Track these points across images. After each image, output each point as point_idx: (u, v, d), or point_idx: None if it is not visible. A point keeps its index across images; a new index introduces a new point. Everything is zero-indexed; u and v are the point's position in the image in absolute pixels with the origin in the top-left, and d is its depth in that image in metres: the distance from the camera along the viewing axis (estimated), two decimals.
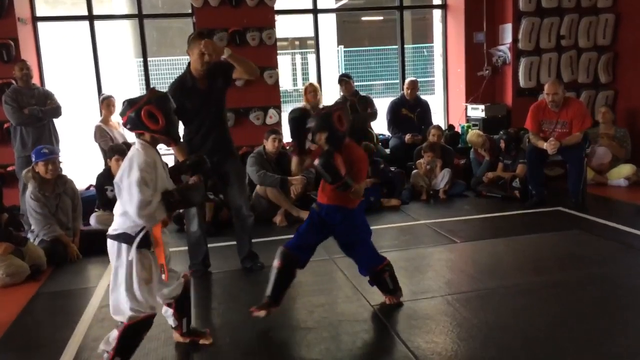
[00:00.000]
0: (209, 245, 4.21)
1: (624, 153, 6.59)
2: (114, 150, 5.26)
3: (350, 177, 2.96)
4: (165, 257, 2.58)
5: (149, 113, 2.48)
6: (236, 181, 4.07)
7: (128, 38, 12.43)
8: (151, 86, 2.99)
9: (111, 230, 2.56)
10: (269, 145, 5.63)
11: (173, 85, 3.82)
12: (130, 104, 2.51)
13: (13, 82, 5.83)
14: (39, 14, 6.78)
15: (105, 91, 6.79)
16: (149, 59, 7.30)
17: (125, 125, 2.56)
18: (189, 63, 3.79)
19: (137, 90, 11.72)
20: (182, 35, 9.07)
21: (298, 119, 3.10)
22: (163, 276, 2.56)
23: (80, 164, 7.13)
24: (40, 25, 6.78)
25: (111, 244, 2.56)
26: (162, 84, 14.20)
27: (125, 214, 2.49)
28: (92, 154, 6.67)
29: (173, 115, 2.58)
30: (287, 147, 3.23)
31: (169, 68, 13.24)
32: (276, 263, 3.12)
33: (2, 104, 5.63)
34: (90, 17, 6.85)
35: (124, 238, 2.52)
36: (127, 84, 11.48)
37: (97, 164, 6.09)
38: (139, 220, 2.45)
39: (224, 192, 4.22)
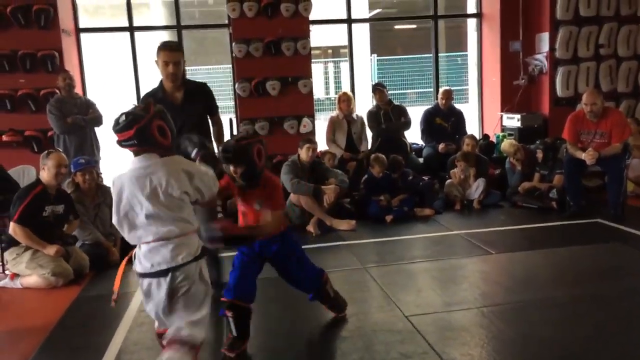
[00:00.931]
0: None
1: None
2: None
3: (271, 207, 2.88)
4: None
5: (160, 127, 2.29)
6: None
7: None
8: (151, 100, 2.47)
9: (189, 256, 2.33)
10: (303, 154, 5.68)
11: (145, 95, 3.72)
12: (135, 119, 2.24)
13: (57, 91, 6.04)
14: (81, 25, 7.02)
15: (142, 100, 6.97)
16: (186, 68, 7.45)
17: (125, 141, 2.26)
18: (161, 79, 3.68)
19: None
20: (217, 45, 9.26)
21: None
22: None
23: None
24: (83, 36, 7.02)
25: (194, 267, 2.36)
26: None
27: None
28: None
29: (174, 129, 2.42)
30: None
31: (205, 77, 13.53)
32: (229, 313, 2.95)
33: (46, 112, 5.83)
34: (131, 29, 7.06)
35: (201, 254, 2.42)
36: None
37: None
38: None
39: None
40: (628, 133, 5.53)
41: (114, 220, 2.33)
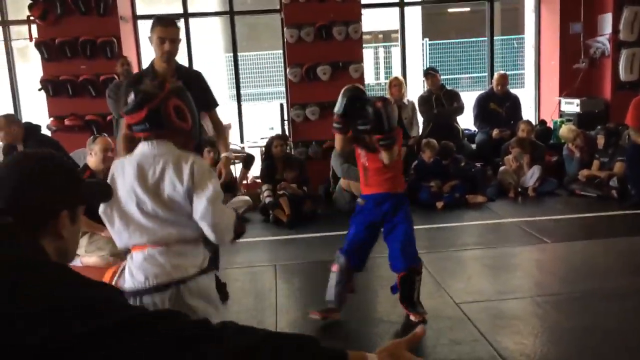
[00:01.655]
0: (295, 237, 4.28)
1: None
2: (206, 143, 5.49)
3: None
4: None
5: (177, 108, 1.90)
6: None
7: (218, 34, 12.89)
8: (164, 80, 2.20)
9: (194, 268, 1.89)
10: None
11: (129, 78, 3.24)
12: (146, 97, 1.86)
13: (115, 77, 6.23)
14: (138, 12, 7.19)
15: None
16: (238, 53, 7.55)
17: (137, 124, 1.89)
18: (151, 61, 3.22)
19: (226, 84, 12.15)
20: (269, 31, 9.31)
21: (353, 99, 2.94)
22: None
23: None
24: (140, 23, 7.20)
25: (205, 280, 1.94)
26: (250, 78, 14.67)
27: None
28: None
29: (196, 112, 2.05)
30: (334, 124, 3.03)
31: (257, 62, 13.63)
32: (333, 267, 3.07)
33: (105, 97, 6.03)
34: (186, 15, 7.18)
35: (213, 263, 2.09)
36: (218, 79, 11.93)
37: None
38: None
39: None
40: None
41: (100, 210, 1.94)
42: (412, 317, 3.08)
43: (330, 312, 3.10)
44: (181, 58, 7.50)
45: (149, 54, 7.62)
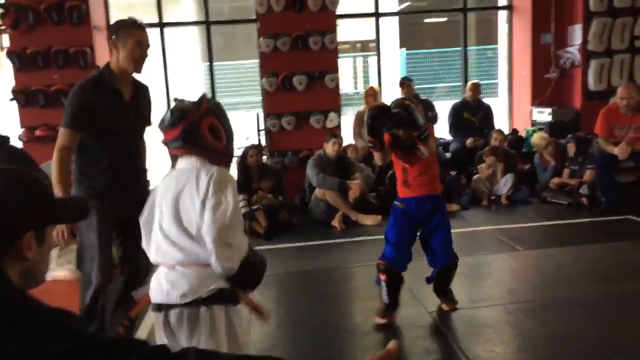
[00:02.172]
0: (270, 247, 4.27)
1: None
2: None
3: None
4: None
5: (212, 127, 1.90)
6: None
7: (195, 43, 12.85)
8: (205, 92, 2.08)
9: (203, 292, 1.80)
10: (329, 148, 5.69)
11: (82, 83, 2.75)
12: (181, 114, 1.88)
13: None
14: (112, 21, 7.13)
15: (173, 95, 7.07)
16: (214, 63, 7.54)
17: (172, 141, 1.91)
18: (106, 65, 2.81)
19: (199, 93, 12.07)
20: (245, 40, 9.31)
21: (377, 116, 3.06)
22: None
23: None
24: None
25: (207, 312, 1.82)
26: (227, 88, 14.63)
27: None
28: (161, 158, 6.96)
29: (232, 130, 2.00)
30: (369, 143, 3.14)
31: (234, 72, 13.62)
32: (383, 277, 3.20)
33: None
34: (161, 24, 7.16)
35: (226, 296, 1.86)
36: (194, 88, 11.88)
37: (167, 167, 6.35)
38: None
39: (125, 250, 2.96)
40: None
41: (141, 220, 1.95)
42: (443, 306, 3.32)
43: (387, 315, 3.22)
44: (156, 68, 7.48)
45: None
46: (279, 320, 3.42)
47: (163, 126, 1.92)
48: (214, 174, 1.82)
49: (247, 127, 7.42)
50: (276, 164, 6.60)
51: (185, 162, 1.91)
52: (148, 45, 2.82)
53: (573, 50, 7.08)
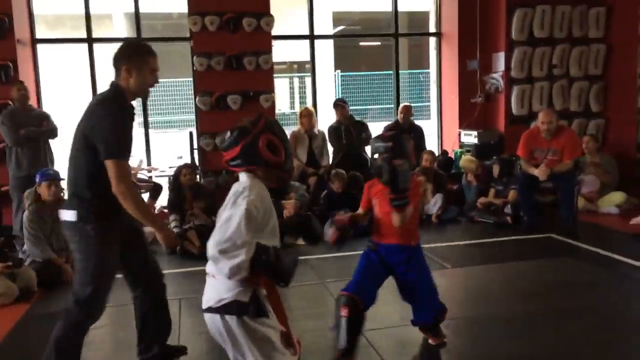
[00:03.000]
0: (202, 268, 4.14)
1: (611, 180, 6.66)
2: None
3: (414, 204, 2.90)
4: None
5: (270, 143, 1.97)
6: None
7: None
8: (261, 113, 2.16)
9: (214, 302, 1.96)
10: None
11: (112, 110, 2.63)
12: (241, 133, 1.96)
13: (10, 103, 5.88)
14: (38, 36, 6.87)
15: None
16: None
17: (232, 160, 1.99)
18: (116, 84, 2.71)
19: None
20: (180, 59, 9.19)
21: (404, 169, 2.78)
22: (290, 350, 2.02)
23: None
24: (40, 47, 6.87)
25: (220, 321, 1.96)
26: (159, 107, 14.34)
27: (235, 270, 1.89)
28: None
29: (290, 146, 2.09)
30: (396, 201, 2.82)
31: (167, 90, 13.37)
32: (343, 312, 2.82)
33: None
34: (90, 40, 6.95)
35: (238, 308, 1.95)
36: None
37: None
38: (223, 268, 1.89)
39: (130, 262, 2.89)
40: (579, 151, 5.74)
41: None
42: (430, 341, 3.14)
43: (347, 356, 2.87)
44: (85, 85, 7.22)
45: (47, 79, 7.28)
46: (210, 344, 3.33)
47: (223, 146, 2.03)
48: (244, 189, 1.95)
49: (180, 146, 7.29)
50: (210, 183, 6.51)
51: (241, 179, 2.03)
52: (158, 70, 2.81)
53: (497, 77, 7.45)
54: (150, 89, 2.80)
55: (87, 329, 2.71)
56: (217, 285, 1.95)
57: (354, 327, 2.83)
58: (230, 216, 1.89)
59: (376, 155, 2.87)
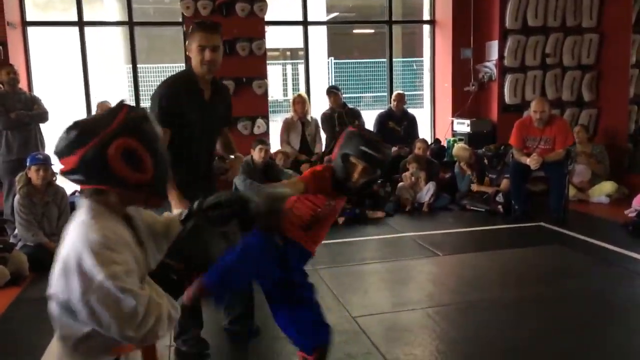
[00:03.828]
0: None
1: (602, 169, 6.71)
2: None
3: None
4: None
5: (127, 152, 1.32)
6: None
7: (119, 44, 12.44)
8: (124, 99, 1.45)
9: None
10: (256, 155, 5.67)
11: (174, 80, 2.85)
12: (81, 134, 1.31)
13: (0, 86, 5.81)
14: (29, 18, 6.78)
15: (94, 97, 6.82)
16: (138, 65, 7.32)
17: (70, 173, 1.35)
18: (190, 66, 2.86)
19: (126, 96, 11.73)
20: (172, 44, 9.12)
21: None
22: None
23: None
24: (30, 29, 6.78)
25: None
26: (151, 91, 14.19)
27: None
28: None
29: (164, 153, 1.44)
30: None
31: (159, 75, 13.27)
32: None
33: None
34: (81, 24, 6.86)
35: None
36: (116, 90, 11.48)
37: None
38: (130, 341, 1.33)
39: None
40: (571, 140, 5.76)
41: None
42: None
43: None
44: (76, 69, 7.15)
45: (38, 62, 7.19)
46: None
47: (56, 150, 1.36)
48: (82, 233, 1.33)
49: None
50: None
51: (79, 205, 1.40)
52: (214, 48, 2.74)
53: (490, 65, 7.45)
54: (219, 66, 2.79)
55: None
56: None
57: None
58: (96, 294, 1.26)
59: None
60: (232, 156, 3.09)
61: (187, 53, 2.83)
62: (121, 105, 1.39)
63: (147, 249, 1.49)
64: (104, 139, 1.31)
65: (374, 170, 2.28)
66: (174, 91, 2.76)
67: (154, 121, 1.43)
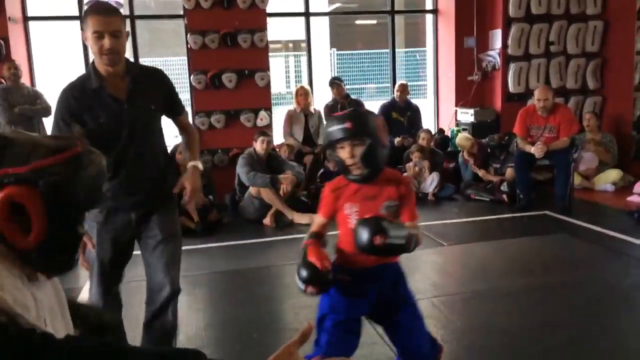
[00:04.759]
0: (199, 247, 4.19)
1: (610, 158, 6.68)
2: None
3: (409, 215, 2.11)
4: None
5: (16, 204, 1.03)
6: (164, 243, 2.44)
7: None
8: (75, 143, 1.09)
9: None
10: (258, 146, 5.66)
11: (66, 88, 2.34)
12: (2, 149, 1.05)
13: (2, 81, 5.82)
14: (30, 13, 6.76)
15: None
16: (140, 59, 7.30)
17: None
18: (92, 64, 2.32)
19: None
20: (174, 37, 9.09)
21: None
22: None
23: None
24: (31, 24, 6.77)
25: None
26: None
27: None
28: None
29: (77, 227, 1.14)
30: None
31: (161, 68, 13.22)
32: None
33: None
34: (81, 17, 6.84)
35: None
36: None
37: None
38: None
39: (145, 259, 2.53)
40: (575, 128, 5.73)
41: None
42: None
43: None
44: (77, 63, 7.13)
45: (40, 57, 7.18)
46: (206, 321, 3.36)
47: None
48: None
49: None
50: (205, 162, 6.48)
51: None
52: (114, 33, 2.18)
53: (494, 54, 7.40)
54: (122, 55, 2.29)
55: None
56: None
57: None
58: None
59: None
60: (189, 164, 2.50)
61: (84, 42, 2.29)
62: (71, 144, 1.09)
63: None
64: (5, 174, 1.02)
65: None
66: (64, 101, 2.30)
67: (102, 179, 1.14)
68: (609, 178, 6.45)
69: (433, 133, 7.12)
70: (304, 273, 1.90)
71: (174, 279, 2.45)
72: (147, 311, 2.51)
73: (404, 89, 7.17)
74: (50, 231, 1.05)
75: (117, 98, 2.31)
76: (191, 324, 3.28)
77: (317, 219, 2.12)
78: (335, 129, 1.97)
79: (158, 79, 2.50)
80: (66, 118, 2.28)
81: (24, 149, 1.05)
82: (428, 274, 4.02)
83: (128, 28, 7.01)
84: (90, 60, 2.41)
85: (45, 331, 0.91)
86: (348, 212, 2.04)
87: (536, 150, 5.48)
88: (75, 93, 2.30)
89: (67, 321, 1.22)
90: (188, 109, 6.96)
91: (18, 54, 6.30)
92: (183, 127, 2.65)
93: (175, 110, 2.57)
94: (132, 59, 7.23)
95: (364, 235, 1.80)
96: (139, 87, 2.35)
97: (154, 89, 2.44)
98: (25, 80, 6.06)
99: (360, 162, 1.96)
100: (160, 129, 2.51)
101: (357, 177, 2.00)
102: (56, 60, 9.72)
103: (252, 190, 5.61)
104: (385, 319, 2.17)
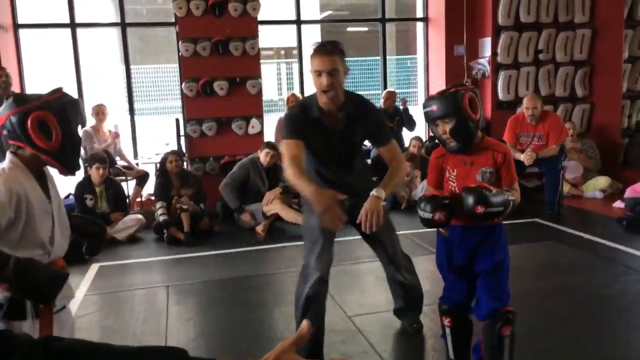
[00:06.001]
0: (190, 255, 4.18)
1: (593, 164, 6.74)
2: (94, 159, 5.25)
3: (507, 180, 2.38)
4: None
5: (40, 122, 1.75)
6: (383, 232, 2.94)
7: (114, 45, 12.41)
8: (61, 87, 1.92)
9: None
10: (262, 157, 5.66)
11: (296, 105, 2.92)
12: (16, 101, 1.78)
13: None
14: (20, 21, 6.74)
15: (88, 98, 6.81)
16: (132, 66, 7.31)
17: (1, 127, 1.80)
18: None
19: (121, 97, 11.69)
20: (166, 44, 9.10)
21: None
22: None
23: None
24: (22, 32, 6.75)
25: None
26: (145, 92, 14.19)
27: None
28: None
29: (77, 134, 1.87)
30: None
31: (153, 76, 13.24)
32: (446, 320, 2.59)
33: None
34: (73, 25, 6.84)
35: None
36: (111, 91, 11.45)
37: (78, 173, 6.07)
38: None
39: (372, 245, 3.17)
40: (564, 136, 5.78)
41: None
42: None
43: None
44: (69, 70, 7.11)
45: (30, 65, 7.16)
46: (196, 330, 3.35)
47: None
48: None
49: (166, 133, 7.24)
50: (197, 170, 6.48)
51: (6, 160, 1.82)
52: (330, 72, 2.54)
53: (483, 62, 7.46)
54: (341, 92, 2.67)
55: None
56: None
57: (462, 337, 2.57)
58: None
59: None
60: (372, 191, 2.74)
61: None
62: (58, 89, 1.86)
63: (53, 203, 1.89)
64: (29, 108, 1.75)
65: None
66: (295, 115, 2.76)
67: (80, 110, 1.90)
68: (598, 185, 6.51)
69: (424, 140, 7.15)
70: (428, 206, 2.23)
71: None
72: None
73: (389, 96, 7.23)
74: (64, 136, 1.78)
75: (332, 131, 2.70)
76: (180, 334, 3.27)
77: (428, 190, 2.49)
78: (426, 110, 2.37)
79: (367, 113, 2.78)
80: (300, 128, 2.64)
81: (35, 95, 1.81)
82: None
83: (115, 36, 7.01)
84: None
85: (26, 332, 0.93)
86: (448, 175, 2.41)
87: (525, 157, 5.52)
88: (301, 115, 2.68)
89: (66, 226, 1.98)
90: (179, 116, 6.96)
91: (8, 61, 6.27)
92: (387, 157, 2.88)
93: (379, 142, 2.88)
94: (123, 67, 7.28)
95: (469, 203, 2.15)
96: (352, 124, 2.71)
97: (362, 124, 2.74)
98: (15, 88, 6.03)
99: (450, 137, 2.29)
100: (361, 151, 2.99)
101: (452, 148, 2.33)
102: (46, 67, 9.69)
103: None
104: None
